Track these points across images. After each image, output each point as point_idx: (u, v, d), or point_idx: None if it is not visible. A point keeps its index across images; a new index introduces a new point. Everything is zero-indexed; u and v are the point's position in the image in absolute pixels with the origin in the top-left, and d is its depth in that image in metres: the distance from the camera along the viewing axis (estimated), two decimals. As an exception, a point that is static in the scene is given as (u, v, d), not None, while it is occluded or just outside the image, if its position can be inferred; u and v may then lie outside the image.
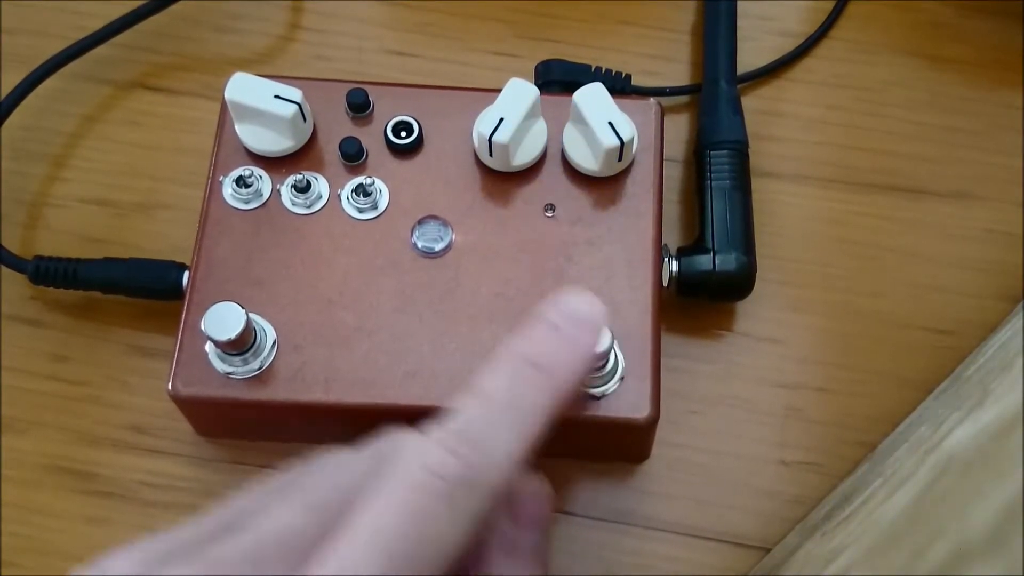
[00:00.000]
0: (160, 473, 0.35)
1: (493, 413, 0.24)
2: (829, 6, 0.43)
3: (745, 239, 0.36)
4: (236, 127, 0.34)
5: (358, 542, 0.22)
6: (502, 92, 0.33)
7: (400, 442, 0.24)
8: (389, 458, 0.24)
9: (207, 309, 0.30)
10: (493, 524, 0.26)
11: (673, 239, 0.38)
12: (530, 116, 0.33)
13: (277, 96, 0.33)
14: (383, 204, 0.34)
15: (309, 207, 0.34)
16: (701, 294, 0.36)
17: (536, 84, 0.39)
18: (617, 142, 0.33)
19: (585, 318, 0.27)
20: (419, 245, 0.33)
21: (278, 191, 0.34)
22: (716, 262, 0.35)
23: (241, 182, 0.34)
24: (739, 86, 0.40)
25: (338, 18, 0.42)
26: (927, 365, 0.36)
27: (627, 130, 0.33)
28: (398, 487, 0.23)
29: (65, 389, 0.36)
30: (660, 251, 0.34)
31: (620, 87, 0.39)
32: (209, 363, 0.31)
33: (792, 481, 0.35)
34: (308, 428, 0.33)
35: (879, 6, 0.43)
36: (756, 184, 0.38)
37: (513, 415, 0.25)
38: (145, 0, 0.40)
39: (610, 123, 0.33)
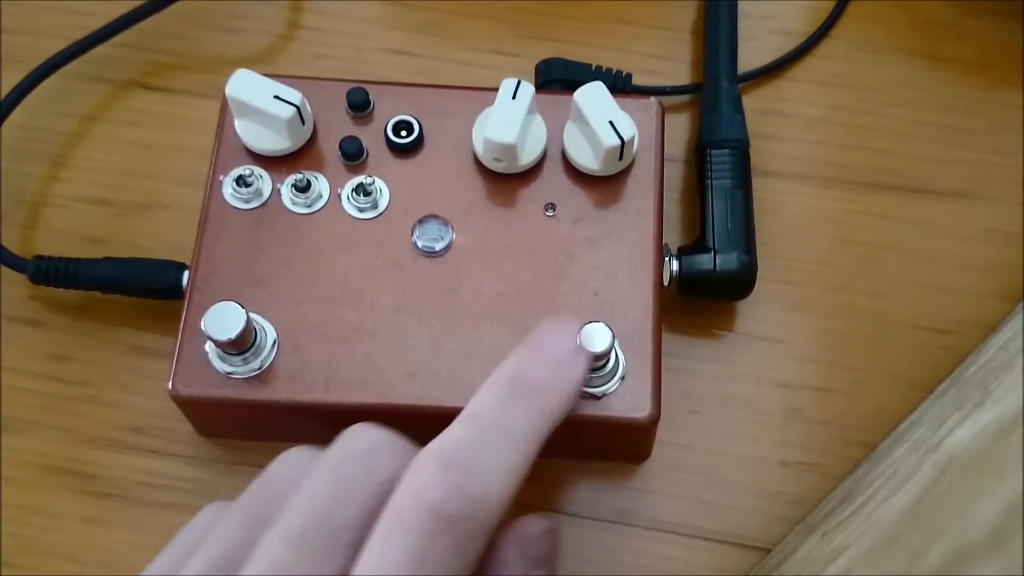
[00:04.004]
0: (160, 473, 0.35)
1: (486, 436, 0.24)
2: (830, 5, 0.43)
3: (746, 238, 0.36)
4: (236, 123, 0.34)
5: None
6: (498, 93, 0.33)
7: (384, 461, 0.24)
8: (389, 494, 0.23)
9: (207, 309, 0.30)
10: (504, 559, 0.26)
11: (674, 238, 0.38)
12: (529, 114, 0.33)
13: (277, 97, 0.33)
14: (383, 203, 0.34)
15: (309, 206, 0.34)
16: (702, 294, 0.36)
17: (536, 83, 0.39)
18: (618, 141, 0.33)
19: (572, 341, 0.27)
20: (419, 244, 0.33)
21: (278, 190, 0.34)
22: (717, 261, 0.35)
23: (241, 181, 0.34)
24: (740, 85, 0.40)
25: (338, 17, 0.42)
26: (927, 365, 0.36)
27: (628, 129, 0.33)
28: (403, 529, 0.22)
29: (65, 389, 0.36)
30: (661, 250, 0.34)
31: (621, 86, 0.39)
32: (209, 363, 0.31)
33: (792, 481, 0.35)
34: (308, 428, 0.33)
35: (880, 5, 0.43)
36: (757, 183, 0.38)
37: (505, 438, 0.24)
38: (144, 0, 0.40)
39: (611, 122, 0.33)
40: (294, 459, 0.26)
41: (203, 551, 0.24)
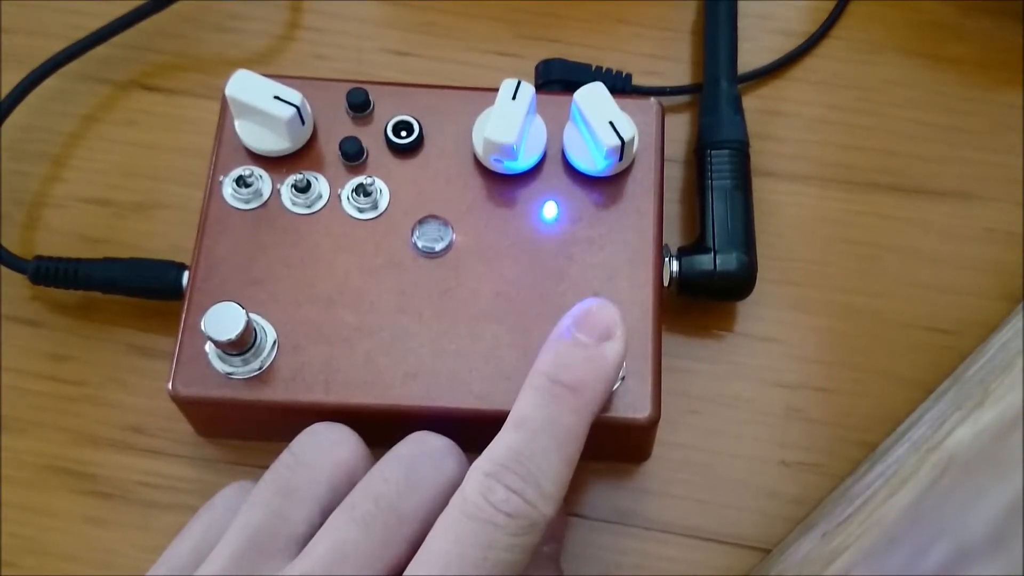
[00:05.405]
0: (159, 474, 0.35)
1: (533, 440, 0.26)
2: (830, 5, 0.43)
3: (746, 239, 0.36)
4: (235, 123, 0.34)
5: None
6: (499, 93, 0.33)
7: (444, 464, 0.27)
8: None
9: (207, 309, 0.30)
10: None
11: (673, 239, 0.38)
12: (529, 115, 0.33)
13: (277, 97, 0.33)
14: (383, 204, 0.34)
15: (309, 207, 0.34)
16: (702, 294, 0.36)
17: (536, 84, 0.39)
18: (618, 141, 0.33)
19: (603, 326, 0.28)
20: (419, 245, 0.33)
21: (278, 191, 0.34)
22: (717, 262, 0.35)
23: (241, 182, 0.34)
24: (740, 86, 0.40)
25: (338, 18, 0.42)
26: (927, 365, 0.36)
27: (628, 129, 0.33)
28: (468, 519, 0.25)
29: (64, 389, 0.36)
30: (661, 251, 0.34)
31: (621, 86, 0.39)
32: (209, 363, 0.31)
33: (792, 481, 0.35)
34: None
35: (880, 5, 0.43)
36: (757, 184, 0.38)
37: (551, 438, 0.26)
38: (144, 0, 0.40)
39: (611, 122, 0.33)
40: (321, 436, 0.28)
41: (241, 519, 0.26)
